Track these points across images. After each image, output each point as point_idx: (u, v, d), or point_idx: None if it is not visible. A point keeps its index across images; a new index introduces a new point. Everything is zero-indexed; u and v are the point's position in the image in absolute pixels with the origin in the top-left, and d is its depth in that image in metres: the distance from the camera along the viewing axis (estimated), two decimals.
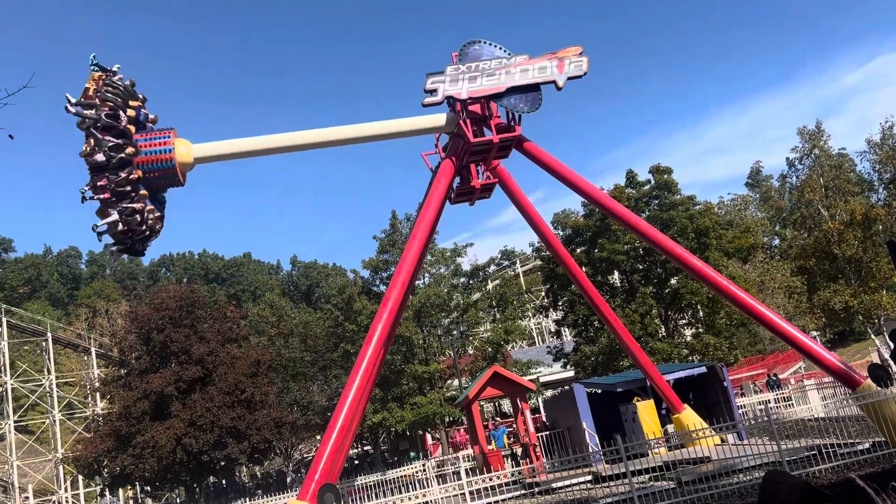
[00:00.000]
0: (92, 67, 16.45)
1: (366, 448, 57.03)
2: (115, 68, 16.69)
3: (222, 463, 36.24)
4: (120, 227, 15.97)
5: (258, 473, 59.10)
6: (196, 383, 35.04)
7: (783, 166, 61.28)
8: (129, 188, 16.05)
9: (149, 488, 44.13)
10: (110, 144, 15.87)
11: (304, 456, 53.78)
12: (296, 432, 44.07)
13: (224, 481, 48.90)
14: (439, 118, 18.96)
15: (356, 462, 51.40)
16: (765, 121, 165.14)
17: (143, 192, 16.48)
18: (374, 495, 23.27)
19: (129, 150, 16.15)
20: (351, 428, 18.29)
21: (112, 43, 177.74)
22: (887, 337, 11.89)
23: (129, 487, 48.89)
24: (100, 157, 15.68)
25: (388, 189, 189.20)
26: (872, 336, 48.69)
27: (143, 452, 32.64)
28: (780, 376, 44.57)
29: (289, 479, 45.37)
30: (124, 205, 15.89)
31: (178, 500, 49.92)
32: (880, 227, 47.01)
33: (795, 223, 54.70)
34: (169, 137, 17.04)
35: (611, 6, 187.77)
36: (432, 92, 17.80)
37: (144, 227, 16.40)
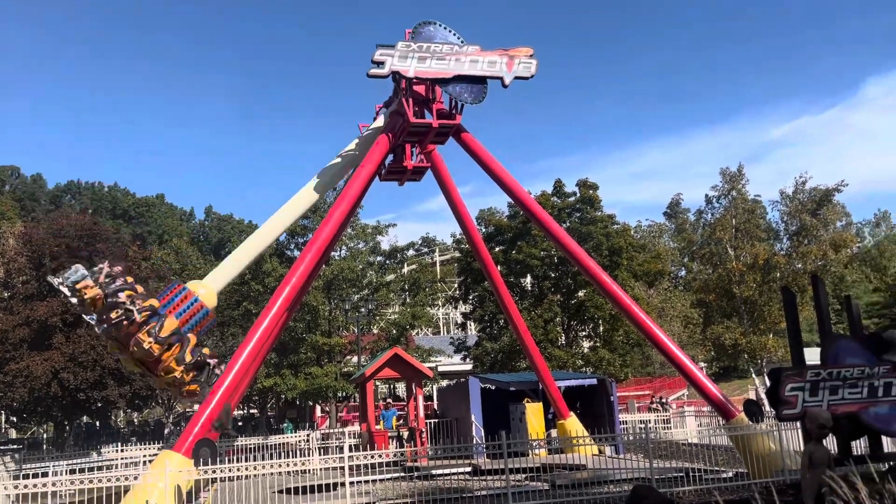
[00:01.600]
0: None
1: (252, 411, 56.17)
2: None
3: (99, 404, 34.91)
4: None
5: (135, 420, 57.27)
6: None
7: (701, 202, 63.95)
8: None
9: (15, 419, 42.01)
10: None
11: (187, 410, 52.44)
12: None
13: (98, 423, 47.10)
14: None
15: (240, 424, 50.52)
16: (693, 156, 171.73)
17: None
18: (252, 458, 22.92)
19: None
20: (240, 387, 17.93)
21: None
22: (766, 377, 12.72)
23: None
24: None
25: (319, 155, 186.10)
26: (753, 375, 51.50)
27: (15, 381, 31.04)
28: (664, 400, 46.57)
29: (167, 431, 44.14)
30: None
31: (44, 436, 47.74)
32: (778, 274, 49.62)
33: (703, 258, 57.04)
34: (186, 289, 16.77)
35: (572, 21, 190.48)
36: (380, 64, 17.59)
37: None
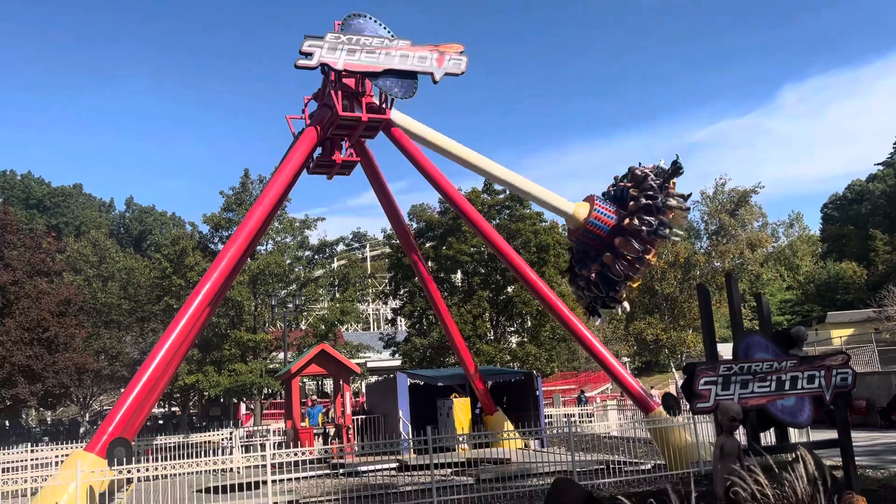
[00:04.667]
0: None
1: (173, 409, 54.54)
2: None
3: (8, 402, 33.29)
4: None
5: (48, 419, 54.82)
6: None
7: None
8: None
9: None
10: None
11: (104, 408, 50.52)
12: (99, 382, 41.29)
13: (7, 423, 44.87)
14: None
15: (160, 422, 49.01)
16: (618, 156, 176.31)
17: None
18: (173, 457, 22.24)
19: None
20: (159, 384, 17.39)
21: None
22: (682, 372, 13.25)
23: None
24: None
25: (247, 148, 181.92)
26: (673, 369, 53.29)
27: None
28: (588, 394, 47.68)
29: (82, 430, 42.35)
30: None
31: None
32: (698, 272, 51.46)
33: None
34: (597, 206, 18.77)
35: (506, 19, 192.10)
36: (308, 55, 17.27)
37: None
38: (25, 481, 13.99)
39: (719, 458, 8.68)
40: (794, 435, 13.72)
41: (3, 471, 21.24)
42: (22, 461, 23.93)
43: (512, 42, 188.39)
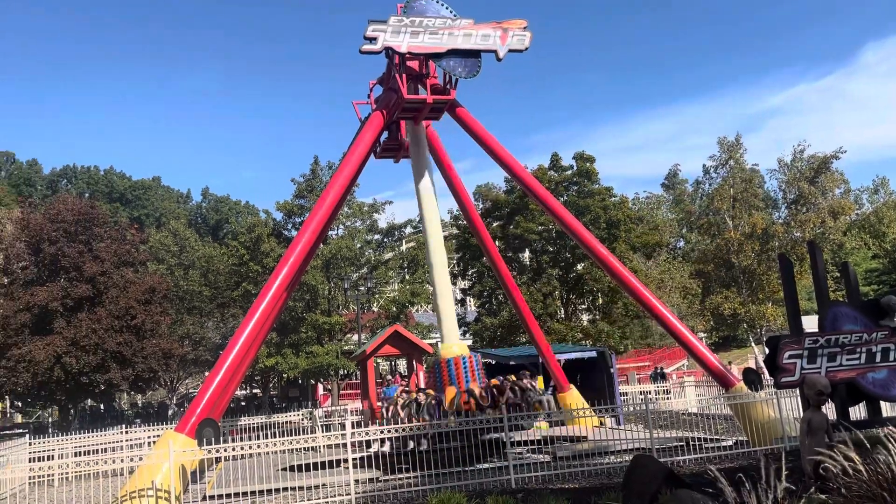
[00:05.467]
0: None
1: (254, 391, 56.49)
2: None
3: (102, 387, 35.16)
4: None
5: (139, 402, 57.68)
6: (84, 302, 33.66)
7: (699, 173, 63.67)
8: None
9: (19, 404, 42.24)
10: None
11: (190, 391, 52.80)
12: (184, 366, 43.10)
13: (102, 406, 47.44)
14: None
15: (243, 403, 50.87)
16: (689, 127, 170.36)
17: None
18: (256, 437, 23.09)
19: None
20: (241, 367, 18.01)
21: None
22: (765, 345, 12.75)
23: None
24: None
25: (315, 134, 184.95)
26: (753, 344, 51.78)
27: (18, 366, 31.23)
28: (665, 371, 46.86)
29: (170, 412, 44.43)
30: None
31: (49, 420, 48.06)
32: (777, 243, 49.68)
33: (701, 228, 57.11)
34: (451, 361, 18.90)
35: None
36: (372, 40, 17.42)
37: None
38: (122, 461, 14.78)
39: (807, 433, 8.43)
40: (886, 409, 13.18)
41: (101, 451, 22.56)
42: (117, 442, 25.32)
43: (574, 13, 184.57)
